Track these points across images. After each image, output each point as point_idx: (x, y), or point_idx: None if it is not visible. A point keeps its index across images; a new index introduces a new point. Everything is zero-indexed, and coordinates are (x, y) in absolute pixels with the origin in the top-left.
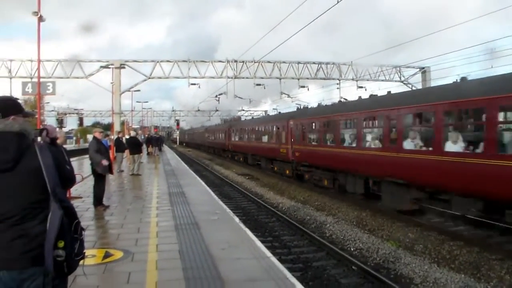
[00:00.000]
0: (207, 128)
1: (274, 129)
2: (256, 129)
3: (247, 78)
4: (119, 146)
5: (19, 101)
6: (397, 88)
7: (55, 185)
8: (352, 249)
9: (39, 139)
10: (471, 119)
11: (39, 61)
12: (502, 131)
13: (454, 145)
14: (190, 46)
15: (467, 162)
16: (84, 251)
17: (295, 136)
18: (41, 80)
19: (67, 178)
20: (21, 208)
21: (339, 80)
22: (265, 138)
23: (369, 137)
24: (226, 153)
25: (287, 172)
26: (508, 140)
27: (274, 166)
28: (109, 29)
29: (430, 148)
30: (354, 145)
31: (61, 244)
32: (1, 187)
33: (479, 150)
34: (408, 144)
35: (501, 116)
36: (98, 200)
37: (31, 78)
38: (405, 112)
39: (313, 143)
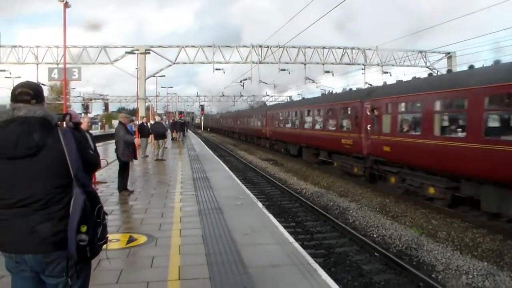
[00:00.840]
0: (237, 112)
1: (338, 112)
2: (306, 113)
3: (271, 63)
4: (143, 131)
5: (43, 86)
6: (422, 73)
7: (78, 170)
8: (375, 236)
9: (64, 124)
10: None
11: (65, 47)
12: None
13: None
14: (216, 31)
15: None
16: (107, 235)
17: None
18: (67, 66)
19: (90, 163)
20: (45, 192)
21: (364, 66)
22: (320, 124)
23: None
24: (263, 141)
25: (356, 170)
26: None
27: (334, 161)
28: (137, 14)
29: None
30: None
31: (83, 228)
32: (25, 172)
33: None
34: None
35: None
36: (122, 185)
37: (57, 64)
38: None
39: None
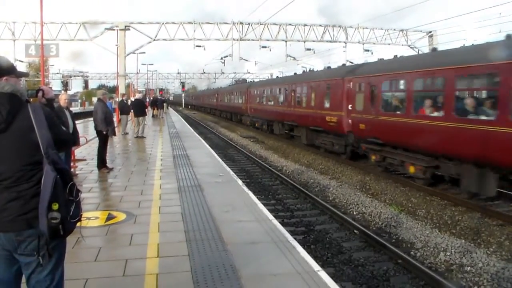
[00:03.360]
0: (218, 89)
1: (319, 90)
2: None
3: (252, 40)
4: (124, 108)
5: (20, 62)
6: (404, 52)
7: (48, 146)
8: (354, 213)
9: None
10: None
11: (41, 22)
12: None
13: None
14: (199, 7)
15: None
16: (81, 213)
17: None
18: (45, 42)
19: (62, 140)
20: (15, 170)
21: (345, 43)
22: (303, 102)
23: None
24: (244, 119)
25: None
26: None
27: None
28: None
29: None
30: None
31: (55, 206)
32: None
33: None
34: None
35: None
36: (102, 162)
37: (35, 40)
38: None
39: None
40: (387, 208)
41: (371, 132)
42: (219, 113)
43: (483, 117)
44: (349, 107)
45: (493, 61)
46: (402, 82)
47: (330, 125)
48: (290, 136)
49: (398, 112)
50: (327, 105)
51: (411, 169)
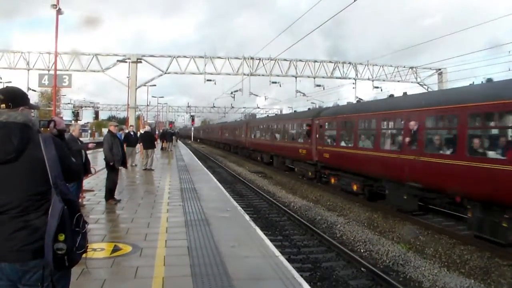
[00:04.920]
0: (222, 124)
1: (297, 127)
2: (275, 127)
3: (263, 75)
4: (128, 140)
5: (33, 92)
6: (413, 89)
7: (57, 177)
8: (362, 251)
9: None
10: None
11: (56, 53)
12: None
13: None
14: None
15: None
16: (87, 244)
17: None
18: (58, 72)
19: (72, 171)
20: (23, 199)
21: (355, 80)
22: (284, 137)
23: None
24: (243, 151)
25: (310, 174)
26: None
27: (295, 167)
28: (138, 22)
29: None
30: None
31: (61, 237)
32: (4, 178)
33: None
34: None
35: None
36: (110, 193)
37: (48, 70)
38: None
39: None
40: (395, 246)
41: (331, 160)
42: (223, 146)
43: (395, 149)
44: (317, 141)
45: (403, 108)
46: (350, 123)
47: (299, 153)
48: (288, 168)
49: (348, 145)
50: (300, 140)
51: (355, 187)
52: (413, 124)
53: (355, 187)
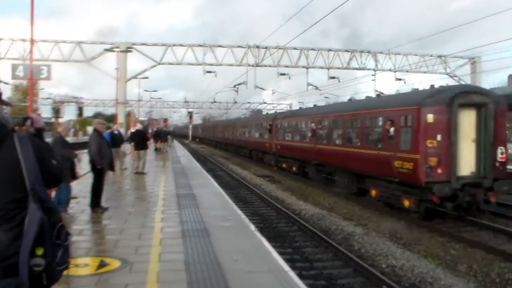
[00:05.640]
0: (235, 120)
1: (262, 126)
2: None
3: (270, 66)
4: (113, 140)
5: (5, 85)
6: (442, 80)
7: (35, 182)
8: (383, 266)
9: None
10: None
11: (32, 40)
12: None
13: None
14: (215, 30)
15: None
16: (69, 259)
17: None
18: (35, 62)
19: (52, 175)
20: None
21: (375, 71)
22: (254, 134)
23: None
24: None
25: (272, 163)
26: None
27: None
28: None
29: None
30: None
31: (39, 251)
32: None
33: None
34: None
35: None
36: (95, 201)
37: (24, 60)
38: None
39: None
40: (421, 261)
41: (281, 150)
42: (234, 148)
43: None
44: (274, 137)
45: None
46: (290, 123)
47: (266, 146)
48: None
49: (293, 139)
50: (266, 136)
51: (294, 168)
52: (313, 125)
53: (294, 168)
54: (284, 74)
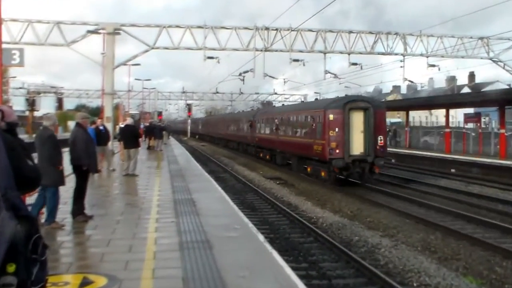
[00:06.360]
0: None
1: (245, 121)
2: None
3: (281, 51)
4: (99, 137)
5: None
6: (484, 66)
7: (7, 186)
8: (415, 284)
9: None
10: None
11: (0, 20)
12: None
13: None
14: (217, 10)
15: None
16: (47, 277)
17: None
18: (4, 46)
19: (28, 178)
20: None
21: (404, 56)
22: (239, 129)
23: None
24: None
25: (254, 153)
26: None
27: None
28: None
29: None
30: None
31: (11, 268)
32: None
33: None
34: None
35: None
36: (78, 208)
37: None
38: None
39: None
40: (460, 279)
41: (259, 142)
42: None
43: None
44: (254, 131)
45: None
46: (267, 119)
47: (248, 139)
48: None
49: (266, 132)
50: (247, 128)
51: (267, 157)
52: (277, 121)
53: (267, 157)
54: (297, 60)
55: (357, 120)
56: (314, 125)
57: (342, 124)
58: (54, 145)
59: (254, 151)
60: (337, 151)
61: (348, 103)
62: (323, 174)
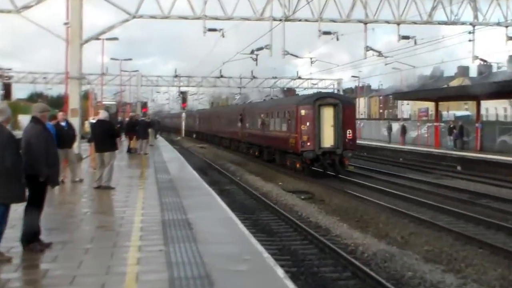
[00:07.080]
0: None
1: (236, 116)
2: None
3: (306, 21)
4: (62, 137)
5: None
6: None
7: None
8: None
9: None
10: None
11: None
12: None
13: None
14: None
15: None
16: None
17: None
18: None
19: None
20: None
21: (474, 27)
22: (229, 123)
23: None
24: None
25: (245, 150)
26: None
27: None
28: None
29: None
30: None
31: None
32: None
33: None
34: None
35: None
36: (31, 233)
37: None
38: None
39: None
40: None
41: (248, 138)
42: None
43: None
44: (244, 127)
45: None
46: (254, 114)
47: (238, 135)
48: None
49: (255, 127)
50: (238, 124)
51: (256, 153)
52: (263, 116)
53: (256, 153)
54: (329, 33)
55: (327, 115)
56: (290, 120)
57: (313, 119)
58: (17, 149)
59: (245, 148)
60: (308, 143)
61: (318, 100)
62: (297, 165)
